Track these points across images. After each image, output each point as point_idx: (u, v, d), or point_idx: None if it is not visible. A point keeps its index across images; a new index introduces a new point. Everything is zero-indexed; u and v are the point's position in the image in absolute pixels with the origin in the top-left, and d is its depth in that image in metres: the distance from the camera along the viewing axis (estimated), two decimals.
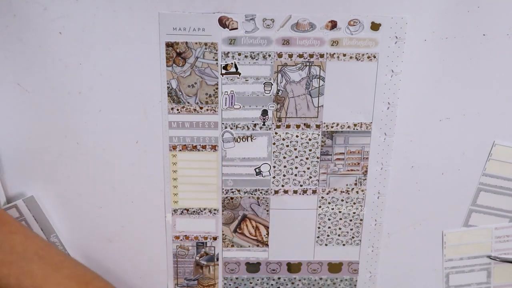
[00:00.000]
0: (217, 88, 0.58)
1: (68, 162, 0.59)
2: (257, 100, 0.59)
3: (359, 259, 0.66)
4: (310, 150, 0.61)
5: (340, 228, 0.65)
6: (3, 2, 0.52)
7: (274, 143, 0.61)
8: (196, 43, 0.56)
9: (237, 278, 0.67)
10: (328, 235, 0.65)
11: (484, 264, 0.66)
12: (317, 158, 0.61)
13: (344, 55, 0.57)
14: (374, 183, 0.63)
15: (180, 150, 0.60)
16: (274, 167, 0.62)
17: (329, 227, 0.65)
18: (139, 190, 0.61)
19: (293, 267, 0.66)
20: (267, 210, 0.63)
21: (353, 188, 0.63)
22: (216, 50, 0.57)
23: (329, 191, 0.63)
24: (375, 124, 0.60)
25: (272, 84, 0.58)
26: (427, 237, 0.65)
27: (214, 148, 0.61)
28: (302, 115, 0.60)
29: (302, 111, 0.59)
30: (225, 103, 0.59)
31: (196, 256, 0.66)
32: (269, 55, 0.57)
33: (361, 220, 0.64)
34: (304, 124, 0.60)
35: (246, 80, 0.58)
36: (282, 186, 0.62)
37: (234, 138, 0.60)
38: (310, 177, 0.62)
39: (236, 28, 0.56)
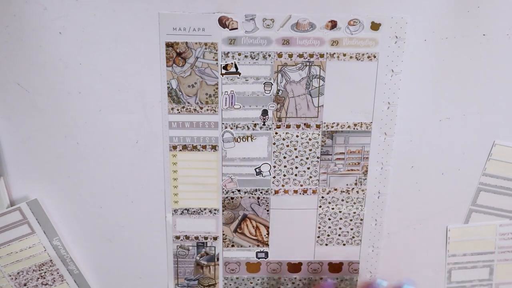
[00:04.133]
0: (217, 88, 0.58)
1: (68, 162, 0.59)
2: (257, 100, 0.59)
3: (360, 259, 0.66)
4: (310, 150, 0.61)
5: (340, 228, 0.65)
6: (3, 2, 0.52)
7: (274, 143, 0.61)
8: (196, 43, 0.56)
9: (237, 278, 0.67)
10: (328, 235, 0.65)
11: (487, 261, 0.66)
12: (317, 158, 0.61)
13: (344, 55, 0.57)
14: (374, 183, 0.63)
15: (180, 150, 0.60)
16: (274, 167, 0.62)
17: (329, 227, 0.65)
18: (139, 190, 0.61)
19: (293, 267, 0.66)
20: (267, 210, 0.63)
21: (353, 188, 0.63)
22: (216, 50, 0.57)
23: (329, 191, 0.63)
24: (375, 124, 0.60)
25: (272, 84, 0.58)
26: (427, 236, 0.65)
27: (214, 148, 0.60)
28: (302, 115, 0.60)
29: (302, 111, 0.59)
30: (225, 103, 0.59)
31: (196, 256, 0.66)
32: (269, 55, 0.57)
33: (361, 220, 0.64)
34: (304, 124, 0.60)
35: (246, 80, 0.58)
36: (282, 186, 0.62)
37: (234, 138, 0.60)
38: (310, 177, 0.62)
39: (236, 28, 0.56)
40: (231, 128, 0.60)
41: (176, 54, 0.56)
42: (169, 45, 0.56)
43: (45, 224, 0.60)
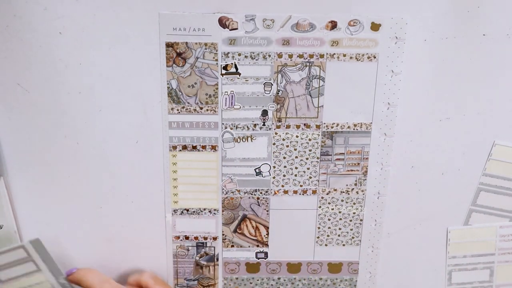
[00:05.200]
0: (217, 88, 0.58)
1: (68, 162, 0.59)
2: (257, 100, 0.59)
3: (359, 259, 0.66)
4: (310, 150, 0.61)
5: (340, 228, 0.65)
6: (3, 2, 0.52)
7: (274, 143, 0.61)
8: (196, 43, 0.56)
9: (237, 278, 0.67)
10: (328, 235, 0.65)
11: (487, 263, 0.66)
12: (317, 158, 0.61)
13: (344, 55, 0.57)
14: (374, 183, 0.63)
15: (180, 150, 0.60)
16: (274, 167, 0.62)
17: (329, 227, 0.65)
18: (139, 190, 0.61)
19: (293, 267, 0.66)
20: (267, 210, 0.63)
21: (353, 188, 0.63)
22: (216, 50, 0.57)
23: (329, 191, 0.63)
24: (375, 124, 0.60)
25: (272, 84, 0.58)
26: (427, 237, 0.65)
27: (214, 148, 0.61)
28: (302, 115, 0.60)
29: (302, 111, 0.59)
30: (225, 103, 0.59)
31: (196, 256, 0.66)
32: (269, 55, 0.57)
33: (361, 220, 0.64)
34: (304, 124, 0.60)
35: (246, 80, 0.58)
36: (282, 186, 0.62)
37: (234, 138, 0.60)
38: (310, 177, 0.62)
39: (236, 29, 0.56)
40: (231, 129, 0.60)
41: (176, 54, 0.56)
42: (169, 45, 0.56)
43: (50, 263, 0.58)
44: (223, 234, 0.65)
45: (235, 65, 0.57)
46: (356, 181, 0.63)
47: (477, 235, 0.65)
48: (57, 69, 0.55)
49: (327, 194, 0.63)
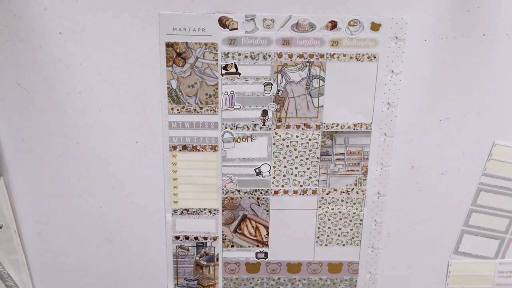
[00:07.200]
0: (217, 88, 0.58)
1: (68, 162, 0.59)
2: (257, 100, 0.59)
3: (359, 259, 0.66)
4: (310, 150, 0.61)
5: (340, 229, 0.65)
6: (3, 2, 0.52)
7: (274, 143, 0.61)
8: (196, 43, 0.56)
9: (237, 278, 0.67)
10: (328, 236, 0.65)
11: None
12: (317, 158, 0.61)
13: (344, 55, 0.57)
14: (374, 183, 0.63)
15: (180, 150, 0.60)
16: (274, 167, 0.62)
17: (329, 228, 0.65)
18: (139, 190, 0.61)
19: (293, 267, 0.66)
20: (267, 210, 0.63)
21: (353, 188, 0.63)
22: (216, 50, 0.57)
23: (329, 192, 0.63)
24: (375, 124, 0.60)
25: (272, 84, 0.58)
26: (427, 237, 0.65)
27: (214, 148, 0.61)
28: (302, 116, 0.60)
29: (302, 111, 0.59)
30: (225, 103, 0.59)
31: (196, 256, 0.66)
32: (269, 55, 0.57)
33: (361, 220, 0.64)
34: (304, 125, 0.60)
35: (246, 80, 0.58)
36: (282, 186, 0.62)
37: (234, 138, 0.60)
38: (310, 178, 0.62)
39: (236, 29, 0.56)
40: (231, 129, 0.60)
41: (176, 54, 0.56)
42: (169, 45, 0.56)
43: None
44: (223, 234, 0.65)
45: (235, 65, 0.57)
46: (356, 181, 0.63)
47: (477, 269, 0.66)
48: (57, 69, 0.55)
49: (327, 194, 0.63)
